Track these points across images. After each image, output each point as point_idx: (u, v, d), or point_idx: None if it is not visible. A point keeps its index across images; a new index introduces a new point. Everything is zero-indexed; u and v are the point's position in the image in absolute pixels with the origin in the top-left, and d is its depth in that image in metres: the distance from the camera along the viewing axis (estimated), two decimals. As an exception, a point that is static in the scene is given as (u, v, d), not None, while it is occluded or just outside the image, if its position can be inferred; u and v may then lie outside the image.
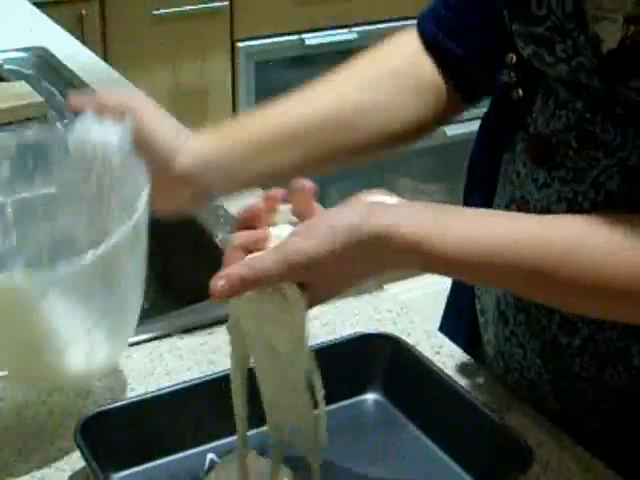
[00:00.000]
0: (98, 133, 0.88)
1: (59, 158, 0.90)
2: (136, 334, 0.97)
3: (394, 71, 0.97)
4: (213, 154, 0.91)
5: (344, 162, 0.99)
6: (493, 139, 0.95)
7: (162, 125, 0.90)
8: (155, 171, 0.84)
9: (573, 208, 0.81)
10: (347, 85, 0.96)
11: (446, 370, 0.86)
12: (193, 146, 0.90)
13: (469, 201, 1.00)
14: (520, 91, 0.88)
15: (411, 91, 0.96)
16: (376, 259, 0.71)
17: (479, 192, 0.97)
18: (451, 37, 0.96)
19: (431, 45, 0.97)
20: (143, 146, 0.86)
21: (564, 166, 0.82)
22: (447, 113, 0.99)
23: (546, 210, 0.83)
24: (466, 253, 0.70)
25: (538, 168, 0.84)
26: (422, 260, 0.71)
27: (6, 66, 1.63)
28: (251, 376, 0.72)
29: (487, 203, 0.95)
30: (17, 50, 1.71)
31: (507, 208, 0.89)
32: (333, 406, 0.84)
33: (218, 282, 0.68)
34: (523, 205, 0.86)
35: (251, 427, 0.75)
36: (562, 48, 0.78)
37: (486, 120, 0.98)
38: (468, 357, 0.95)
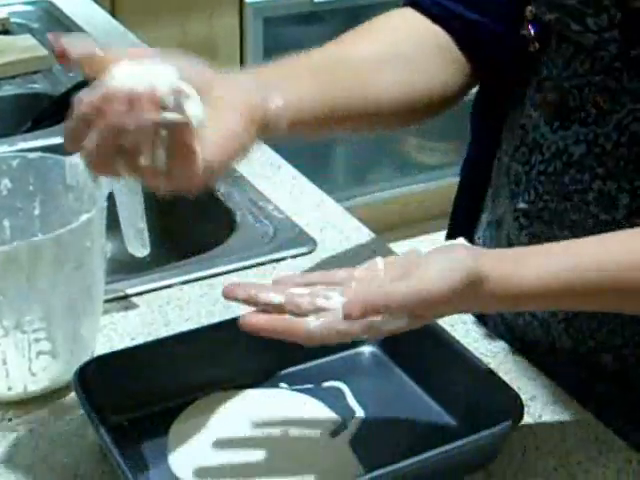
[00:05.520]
0: (142, 77, 0.74)
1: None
2: (137, 285, 0.98)
3: (416, 39, 0.91)
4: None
5: (363, 120, 0.89)
6: (500, 90, 0.94)
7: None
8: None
9: (593, 150, 0.82)
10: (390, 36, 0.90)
11: (444, 326, 0.87)
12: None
13: (472, 151, 1.00)
14: (537, 44, 0.88)
15: (439, 58, 0.91)
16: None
17: (483, 141, 0.97)
18: (466, 5, 0.91)
19: (442, 16, 0.92)
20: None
21: (584, 108, 0.82)
22: (465, 86, 0.94)
23: (562, 152, 0.84)
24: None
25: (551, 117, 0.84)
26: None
27: (12, 19, 1.63)
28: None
29: (490, 151, 0.95)
30: (23, 3, 1.72)
31: (516, 152, 0.89)
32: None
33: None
34: (535, 147, 0.87)
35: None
36: (594, 21, 0.79)
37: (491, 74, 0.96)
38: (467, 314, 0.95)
